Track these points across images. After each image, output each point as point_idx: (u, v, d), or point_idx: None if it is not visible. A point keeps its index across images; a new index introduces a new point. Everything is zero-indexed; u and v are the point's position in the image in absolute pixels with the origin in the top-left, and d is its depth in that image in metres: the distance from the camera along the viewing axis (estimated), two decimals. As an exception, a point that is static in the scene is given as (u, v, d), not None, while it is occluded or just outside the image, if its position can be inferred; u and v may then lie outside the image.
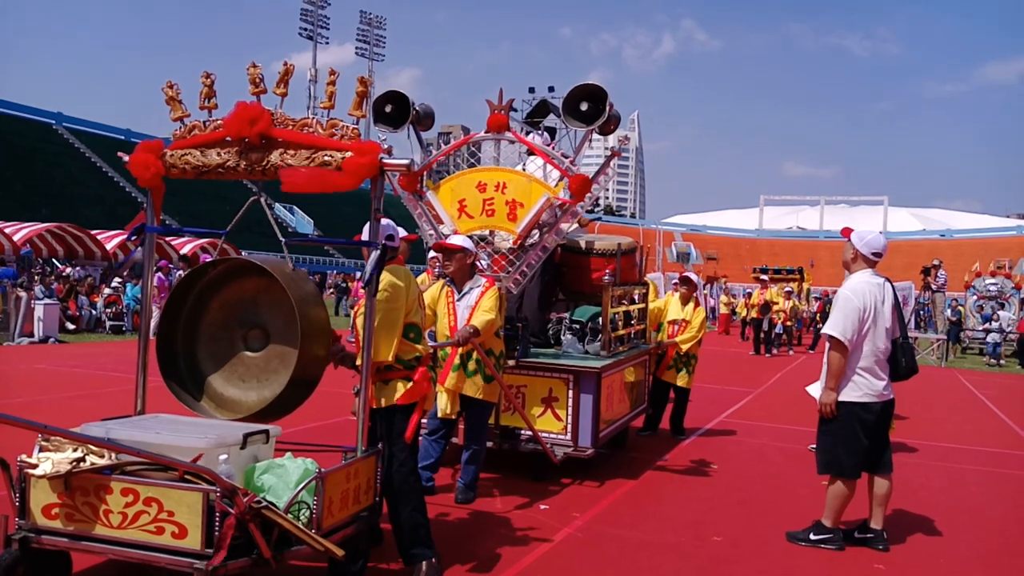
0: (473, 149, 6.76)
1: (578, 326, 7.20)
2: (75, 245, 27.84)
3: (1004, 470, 8.09)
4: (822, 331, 5.27)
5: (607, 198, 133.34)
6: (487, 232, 6.50)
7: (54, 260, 26.72)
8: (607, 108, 6.08)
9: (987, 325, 23.00)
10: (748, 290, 27.80)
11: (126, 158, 4.26)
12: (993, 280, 25.14)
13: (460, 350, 5.53)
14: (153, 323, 5.53)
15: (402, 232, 5.31)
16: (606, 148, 6.54)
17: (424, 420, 4.93)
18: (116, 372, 11.59)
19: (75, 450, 3.52)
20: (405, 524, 4.23)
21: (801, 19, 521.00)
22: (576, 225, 7.23)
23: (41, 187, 41.66)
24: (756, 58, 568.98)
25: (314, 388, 4.24)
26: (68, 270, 23.02)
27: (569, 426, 6.36)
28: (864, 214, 75.05)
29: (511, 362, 6.23)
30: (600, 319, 6.91)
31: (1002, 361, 21.40)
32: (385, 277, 4.19)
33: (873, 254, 5.18)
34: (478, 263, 6.07)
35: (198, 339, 4.39)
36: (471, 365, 5.58)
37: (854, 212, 78.50)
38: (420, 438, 5.45)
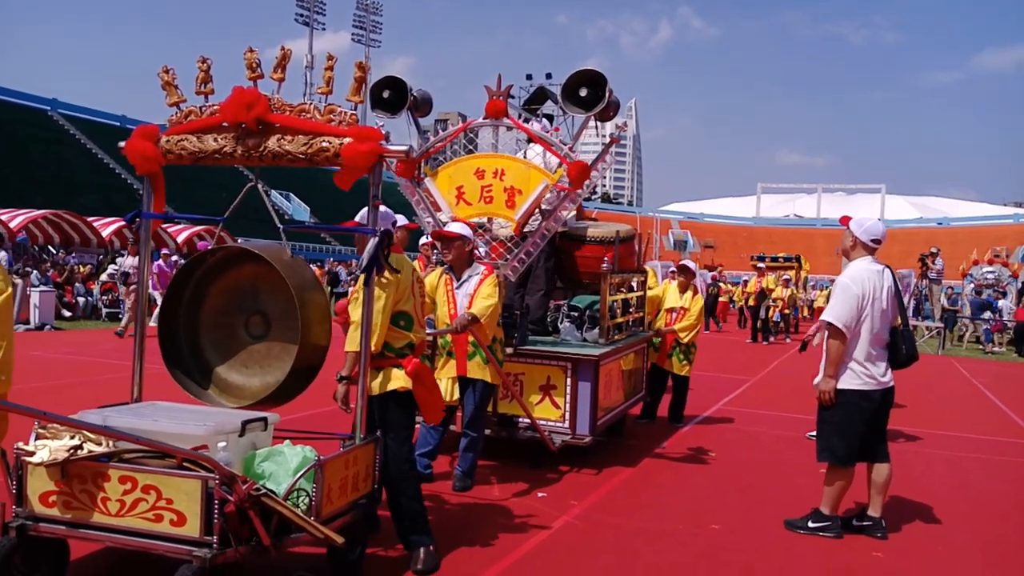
0: (471, 135, 6.73)
1: (576, 314, 7.18)
2: (71, 232, 27.77)
3: (1002, 457, 8.10)
4: (820, 318, 5.26)
5: (604, 186, 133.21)
6: (485, 219, 6.47)
7: (50, 247, 26.64)
8: (607, 94, 6.04)
9: (986, 315, 23.04)
10: (745, 277, 27.79)
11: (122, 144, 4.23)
12: (990, 268, 25.15)
13: (468, 337, 5.52)
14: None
15: (402, 220, 5.29)
16: (602, 135, 6.50)
17: None
18: (112, 359, 11.57)
19: (72, 437, 3.50)
20: (403, 511, 4.23)
21: (798, 7, 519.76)
22: (575, 212, 7.21)
23: (36, 174, 41.45)
24: (753, 46, 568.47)
25: (316, 374, 4.22)
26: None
27: (567, 414, 6.36)
28: (861, 202, 75.16)
29: (509, 350, 6.22)
30: (598, 307, 6.90)
31: (996, 348, 21.44)
32: None
33: (872, 241, 5.16)
34: (476, 251, 6.05)
35: (200, 327, 4.37)
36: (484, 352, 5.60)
37: (851, 200, 78.64)
38: (418, 425, 5.46)
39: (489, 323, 5.51)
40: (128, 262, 16.43)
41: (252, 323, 4.31)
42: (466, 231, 5.66)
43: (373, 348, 4.17)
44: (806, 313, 28.31)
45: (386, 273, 4.12)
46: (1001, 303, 23.21)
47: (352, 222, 4.24)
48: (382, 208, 4.21)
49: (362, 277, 4.05)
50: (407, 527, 4.25)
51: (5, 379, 3.35)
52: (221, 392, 4.27)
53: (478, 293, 5.53)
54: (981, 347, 21.96)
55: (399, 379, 4.28)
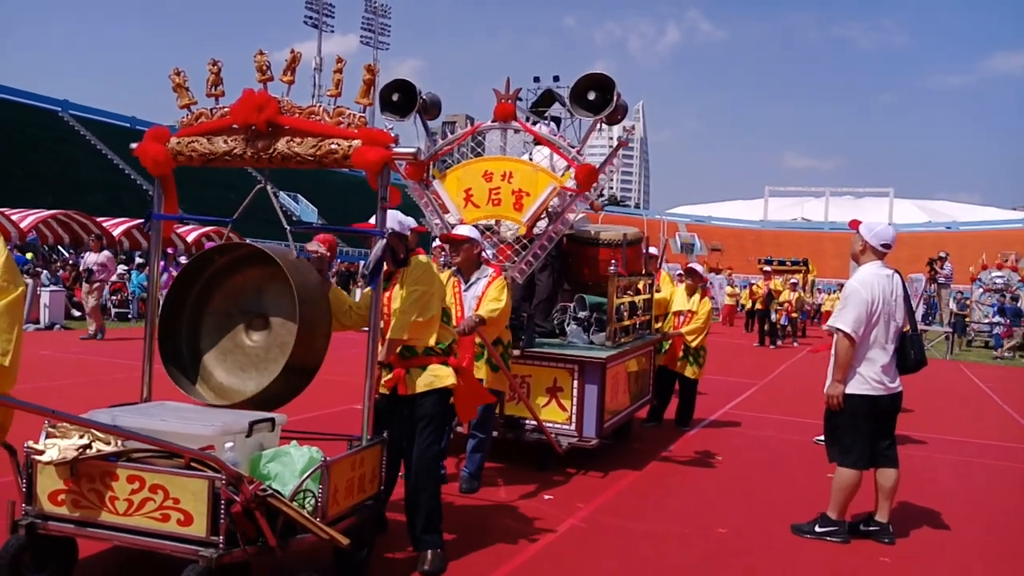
0: (479, 138, 6.74)
1: (583, 316, 7.18)
2: (81, 232, 27.86)
3: (1010, 463, 8.07)
4: (829, 323, 5.25)
5: (611, 188, 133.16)
6: (493, 222, 6.48)
7: (59, 247, 26.75)
8: (615, 97, 6.05)
9: (994, 318, 22.93)
10: (752, 281, 27.76)
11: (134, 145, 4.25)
12: (999, 273, 25.04)
13: (477, 339, 5.54)
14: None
15: (411, 223, 5.31)
16: (610, 138, 6.52)
17: None
18: (121, 359, 11.61)
19: (81, 437, 3.52)
20: (421, 508, 4.24)
21: (806, 10, 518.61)
22: (583, 215, 7.21)
23: (46, 174, 41.65)
24: (761, 49, 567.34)
25: (312, 377, 4.22)
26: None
27: (574, 416, 6.36)
28: (869, 206, 74.83)
29: (516, 352, 6.23)
30: (605, 309, 6.89)
31: (1006, 354, 21.34)
32: (420, 262, 4.31)
33: (882, 246, 5.15)
34: (484, 253, 6.06)
35: (202, 326, 4.37)
36: (494, 359, 5.62)
37: (859, 204, 78.34)
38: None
39: (496, 325, 5.52)
40: (91, 259, 15.30)
41: (254, 325, 4.32)
42: (474, 234, 5.67)
43: (430, 341, 4.25)
44: (813, 316, 28.27)
45: (420, 269, 4.26)
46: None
47: (367, 224, 4.24)
48: (400, 215, 4.38)
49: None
50: (421, 525, 4.26)
51: (11, 376, 3.36)
52: (216, 395, 4.27)
53: (486, 295, 5.54)
54: (996, 352, 21.82)
55: (449, 376, 4.32)
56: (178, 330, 4.36)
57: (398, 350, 4.28)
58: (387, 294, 4.33)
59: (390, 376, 4.30)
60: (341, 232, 4.75)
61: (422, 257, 4.41)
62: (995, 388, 14.27)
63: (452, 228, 5.97)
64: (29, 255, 20.57)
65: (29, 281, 15.87)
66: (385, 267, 4.24)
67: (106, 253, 15.19)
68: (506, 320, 5.69)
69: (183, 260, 19.94)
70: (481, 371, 5.63)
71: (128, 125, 53.70)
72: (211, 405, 4.18)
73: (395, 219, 4.36)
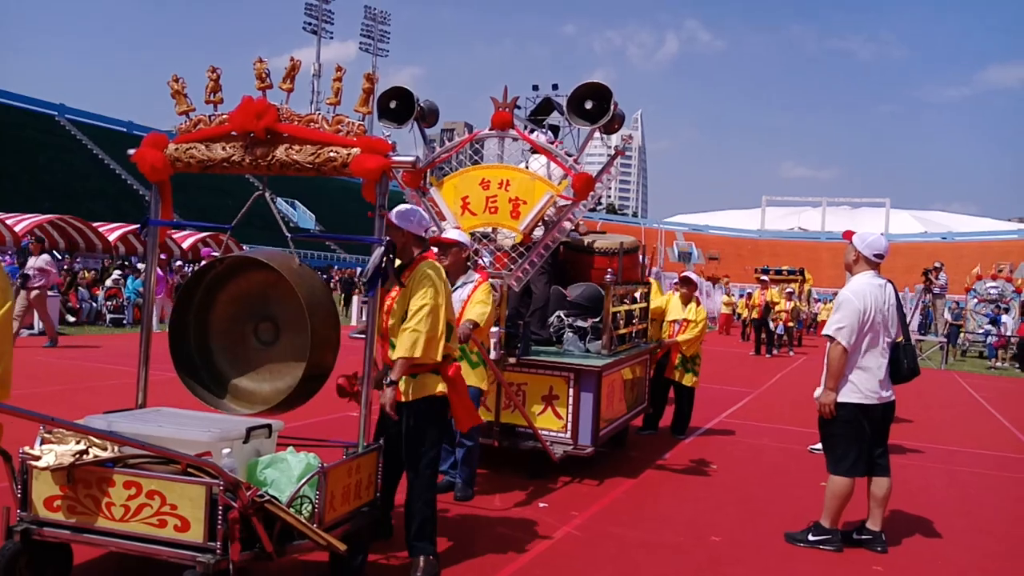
0: (476, 146, 6.76)
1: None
2: (77, 237, 27.83)
3: (1004, 473, 8.09)
4: (823, 332, 5.28)
5: (609, 197, 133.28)
6: (490, 229, 6.51)
7: (55, 252, 26.68)
8: (612, 107, 6.08)
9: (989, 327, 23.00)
10: (748, 291, 27.80)
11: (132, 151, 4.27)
12: (994, 283, 25.12)
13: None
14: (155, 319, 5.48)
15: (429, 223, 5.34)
16: (608, 147, 6.54)
17: None
18: (116, 365, 11.60)
19: (78, 442, 3.52)
20: (415, 515, 4.25)
21: (805, 21, 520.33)
22: (580, 221, 7.23)
23: (43, 179, 41.67)
24: (759, 59, 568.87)
25: (325, 380, 4.24)
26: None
27: (569, 424, 6.37)
28: (866, 216, 75.13)
29: (512, 360, 6.24)
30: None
31: (999, 363, 21.41)
32: (427, 271, 4.22)
33: (875, 256, 5.19)
34: (480, 260, 6.08)
35: (209, 333, 4.39)
36: (473, 357, 5.63)
37: (856, 214, 78.64)
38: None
39: (485, 327, 5.57)
40: (30, 263, 14.23)
41: (262, 329, 4.34)
42: (463, 238, 5.69)
43: (437, 356, 4.21)
44: (809, 326, 28.31)
45: (431, 279, 4.19)
46: (1004, 318, 23.18)
47: (385, 212, 4.22)
48: (419, 211, 4.37)
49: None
50: (414, 532, 4.27)
51: (3, 390, 3.33)
52: (232, 398, 4.29)
53: (472, 299, 5.57)
54: (992, 362, 21.88)
55: (438, 384, 4.32)
56: (187, 337, 4.37)
57: (392, 356, 4.26)
58: (389, 298, 4.31)
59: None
60: (340, 240, 4.76)
61: (432, 263, 4.35)
62: (989, 398, 14.31)
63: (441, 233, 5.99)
64: None
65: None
66: (397, 263, 4.25)
67: (45, 257, 14.24)
68: (492, 323, 5.71)
69: (179, 264, 19.92)
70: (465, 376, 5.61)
71: (125, 130, 53.77)
72: (231, 410, 4.20)
73: (415, 215, 4.34)
